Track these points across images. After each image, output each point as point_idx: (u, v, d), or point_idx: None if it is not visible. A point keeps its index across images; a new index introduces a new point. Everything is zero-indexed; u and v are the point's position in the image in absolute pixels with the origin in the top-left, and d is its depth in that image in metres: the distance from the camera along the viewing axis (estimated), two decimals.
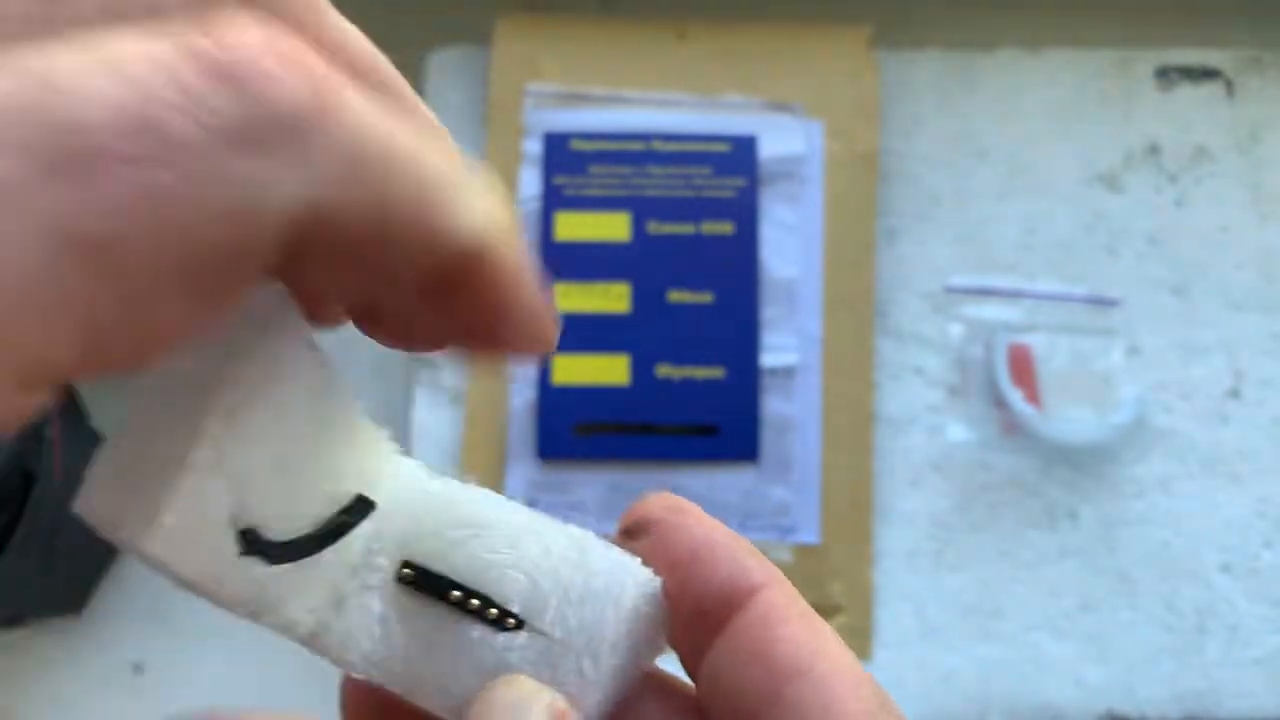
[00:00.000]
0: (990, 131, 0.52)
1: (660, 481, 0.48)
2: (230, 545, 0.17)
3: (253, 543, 0.17)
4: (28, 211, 0.11)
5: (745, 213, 0.49)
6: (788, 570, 0.48)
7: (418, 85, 0.52)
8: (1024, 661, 0.47)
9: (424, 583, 0.19)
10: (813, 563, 0.47)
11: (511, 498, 0.20)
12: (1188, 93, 0.52)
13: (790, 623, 0.18)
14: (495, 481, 0.48)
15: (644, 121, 0.50)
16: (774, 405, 0.48)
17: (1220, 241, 0.51)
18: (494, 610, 0.19)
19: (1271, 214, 0.51)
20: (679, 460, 0.48)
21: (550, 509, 0.50)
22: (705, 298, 0.48)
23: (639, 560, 0.19)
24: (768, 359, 0.48)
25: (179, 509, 0.16)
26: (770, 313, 0.49)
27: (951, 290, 0.50)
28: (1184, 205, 0.51)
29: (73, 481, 0.42)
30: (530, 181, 0.50)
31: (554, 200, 0.49)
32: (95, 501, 0.16)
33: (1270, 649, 0.47)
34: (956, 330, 0.50)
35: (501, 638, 0.18)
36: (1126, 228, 0.51)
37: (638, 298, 0.48)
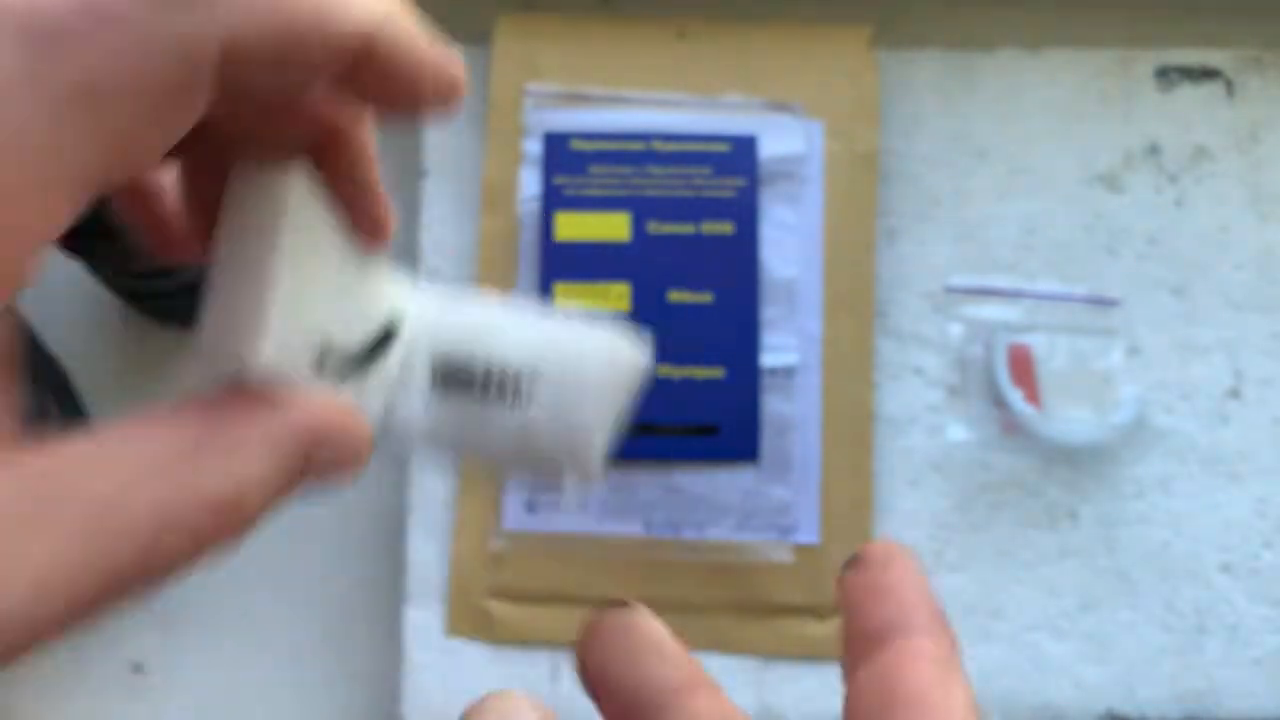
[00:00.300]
0: (990, 131, 0.52)
1: (660, 481, 0.48)
2: (306, 363, 0.20)
3: (326, 357, 0.20)
4: (29, 79, 0.16)
5: (745, 213, 0.49)
6: (788, 570, 0.49)
7: None
8: (1024, 661, 0.47)
9: (451, 377, 0.24)
10: (813, 562, 0.47)
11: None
12: (1188, 93, 0.52)
13: (922, 663, 0.19)
14: (496, 481, 0.48)
15: (644, 121, 0.50)
16: (774, 405, 0.48)
17: (1220, 241, 0.51)
18: (509, 387, 0.24)
19: (1271, 214, 0.51)
20: (679, 460, 0.48)
21: (551, 509, 0.50)
22: (705, 298, 0.48)
23: (618, 332, 0.24)
24: (768, 359, 0.48)
25: (270, 331, 0.19)
26: (770, 313, 0.49)
27: (951, 290, 0.50)
28: (1184, 205, 0.51)
29: None
30: (530, 181, 0.50)
31: (554, 200, 0.49)
32: (205, 342, 0.19)
33: (1270, 649, 0.47)
34: (956, 330, 0.50)
35: (517, 411, 0.23)
36: (1126, 228, 0.51)
37: (638, 298, 0.48)
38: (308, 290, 0.20)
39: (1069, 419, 0.49)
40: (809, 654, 0.47)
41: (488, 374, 0.24)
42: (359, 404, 0.22)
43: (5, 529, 0.16)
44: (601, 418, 0.24)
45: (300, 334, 0.20)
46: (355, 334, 0.21)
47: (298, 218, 0.20)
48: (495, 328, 0.24)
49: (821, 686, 0.47)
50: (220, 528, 0.18)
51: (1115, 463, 0.49)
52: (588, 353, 0.24)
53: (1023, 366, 0.49)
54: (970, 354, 0.49)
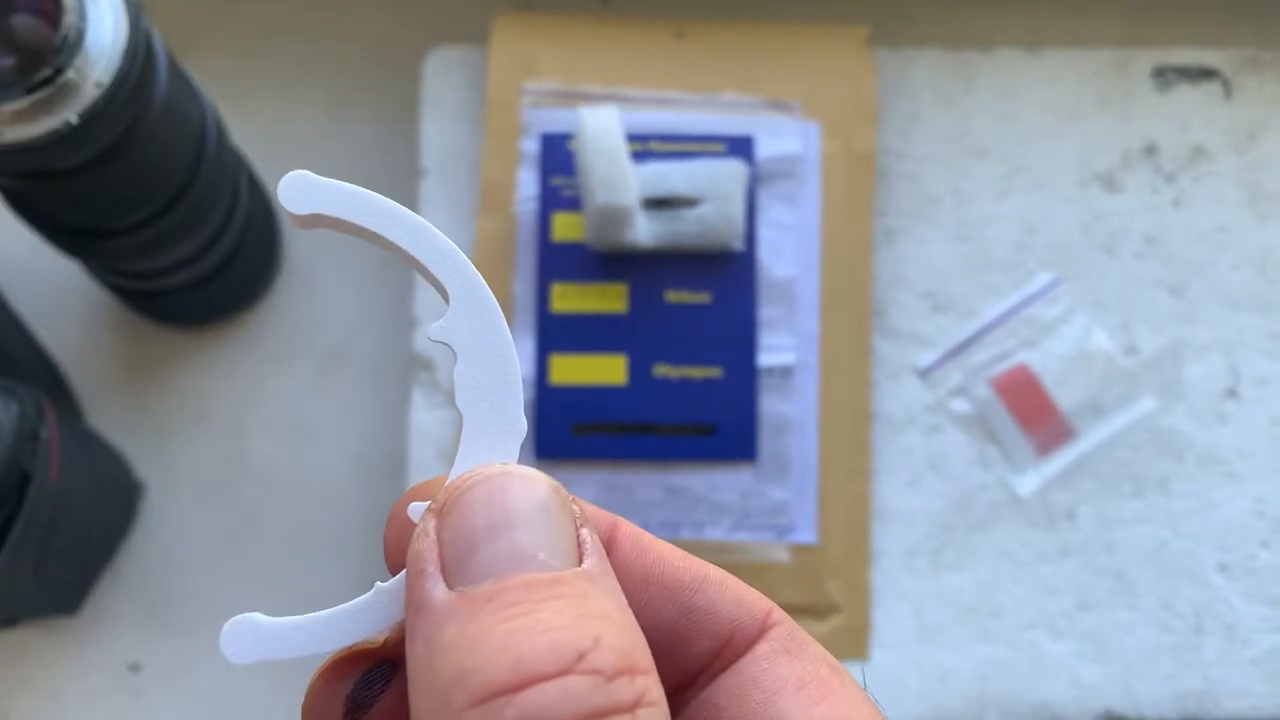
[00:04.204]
0: (989, 131, 0.52)
1: (658, 481, 0.48)
2: None
3: None
4: None
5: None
6: (786, 570, 0.48)
7: (416, 85, 0.52)
8: (1022, 661, 0.47)
9: (654, 203, 0.46)
10: (811, 562, 0.47)
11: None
12: (1186, 93, 0.52)
13: (799, 660, 0.20)
14: None
15: (642, 122, 0.49)
16: (772, 405, 0.48)
17: (1218, 241, 0.51)
18: (687, 200, 0.46)
19: (1269, 214, 0.51)
20: (677, 460, 0.48)
21: None
22: (703, 298, 0.48)
23: (733, 160, 0.47)
24: (765, 359, 0.48)
25: None
26: (768, 312, 0.49)
27: (928, 371, 0.49)
28: (1182, 205, 0.51)
29: (68, 482, 0.42)
30: (528, 182, 0.50)
31: (551, 201, 0.49)
32: None
33: (1268, 648, 0.47)
34: (962, 405, 0.50)
35: (696, 210, 0.46)
36: (1124, 227, 0.51)
37: (635, 298, 0.48)
38: None
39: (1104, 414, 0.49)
40: None
41: (674, 198, 0.46)
42: None
43: None
44: (738, 204, 0.46)
45: None
46: None
47: None
48: (668, 174, 0.46)
49: None
50: None
51: (1114, 463, 0.49)
52: (723, 173, 0.46)
53: (1025, 390, 0.49)
54: (979, 409, 0.50)
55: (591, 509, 0.21)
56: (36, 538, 0.42)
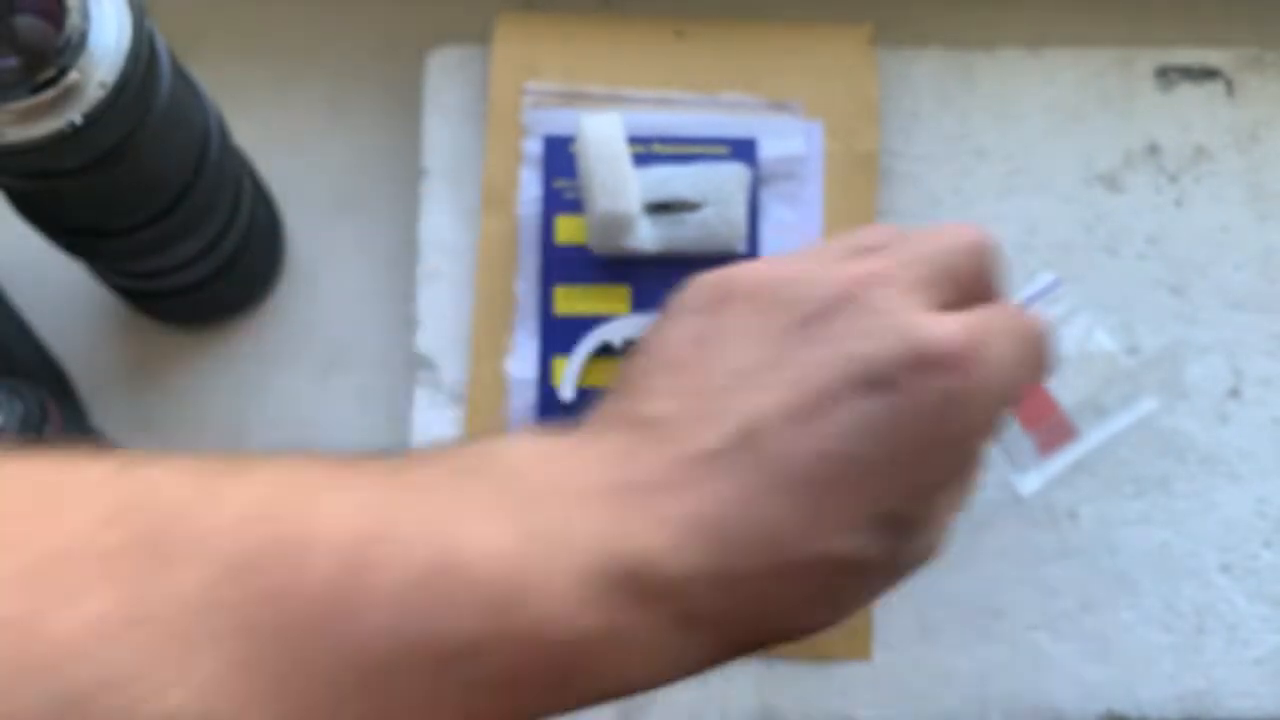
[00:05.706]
0: (990, 131, 0.52)
1: None
2: None
3: None
4: None
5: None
6: None
7: (419, 85, 0.52)
8: (1023, 661, 0.47)
9: (656, 208, 0.47)
10: None
11: None
12: (1188, 92, 0.52)
13: None
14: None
15: (644, 123, 0.50)
16: None
17: (1220, 241, 0.51)
18: (689, 205, 0.47)
19: (1271, 214, 0.51)
20: None
21: None
22: None
23: (732, 163, 0.48)
24: None
25: None
26: None
27: None
28: (1184, 205, 0.51)
29: None
30: (530, 183, 0.50)
31: (554, 204, 0.49)
32: None
33: (1270, 648, 0.47)
34: None
35: (698, 214, 0.47)
36: (1126, 227, 0.51)
37: (638, 300, 0.48)
38: None
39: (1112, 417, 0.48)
40: (809, 654, 0.47)
41: (676, 202, 0.47)
42: None
43: None
44: (740, 208, 0.47)
45: None
46: None
47: None
48: (670, 178, 0.47)
49: (821, 686, 0.47)
50: None
51: (1115, 463, 0.49)
52: (725, 177, 0.47)
53: (1026, 390, 0.49)
54: None
55: None
56: None
